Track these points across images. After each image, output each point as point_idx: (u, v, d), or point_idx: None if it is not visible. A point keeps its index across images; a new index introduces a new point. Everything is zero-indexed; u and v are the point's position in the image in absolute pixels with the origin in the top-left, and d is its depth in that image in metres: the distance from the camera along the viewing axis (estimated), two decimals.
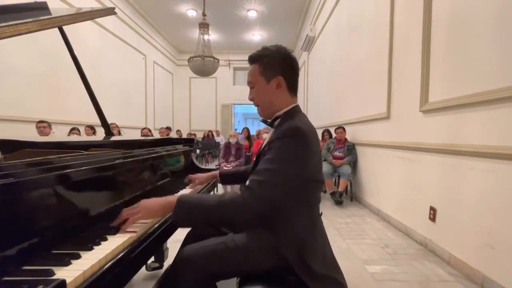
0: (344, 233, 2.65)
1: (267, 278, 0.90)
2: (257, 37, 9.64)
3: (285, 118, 0.95)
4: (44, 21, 1.19)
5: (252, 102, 1.02)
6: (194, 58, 6.36)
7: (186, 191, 1.31)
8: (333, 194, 3.82)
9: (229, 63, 11.28)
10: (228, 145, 4.68)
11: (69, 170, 0.74)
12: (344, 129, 4.08)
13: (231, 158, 4.57)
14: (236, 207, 0.83)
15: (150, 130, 6.35)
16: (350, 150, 3.97)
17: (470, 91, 1.82)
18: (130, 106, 7.39)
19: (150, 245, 0.79)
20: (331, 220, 3.05)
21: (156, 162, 1.32)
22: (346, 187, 4.00)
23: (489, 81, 1.67)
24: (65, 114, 4.79)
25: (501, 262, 1.58)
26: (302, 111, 1.01)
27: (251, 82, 0.99)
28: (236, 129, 11.42)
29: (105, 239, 0.71)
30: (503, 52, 1.59)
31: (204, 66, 6.39)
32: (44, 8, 1.47)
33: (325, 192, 4.35)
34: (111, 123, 3.62)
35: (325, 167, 3.94)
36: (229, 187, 3.97)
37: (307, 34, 6.90)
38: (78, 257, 0.61)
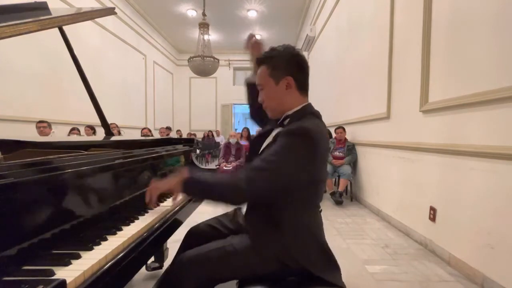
0: (344, 233, 2.65)
1: (266, 280, 0.90)
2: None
3: (295, 117, 0.93)
4: (44, 21, 1.19)
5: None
6: (194, 58, 6.36)
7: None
8: (333, 194, 3.83)
9: (229, 63, 11.27)
10: (228, 145, 4.69)
11: (69, 170, 0.74)
12: (344, 129, 4.08)
13: (231, 158, 4.58)
14: (229, 189, 0.84)
15: (150, 130, 6.35)
16: (350, 150, 3.97)
17: (470, 91, 1.82)
18: (130, 106, 7.39)
19: (150, 245, 0.80)
20: (331, 220, 3.05)
21: (156, 162, 1.32)
22: (346, 187, 4.00)
23: (489, 81, 1.67)
24: (65, 114, 4.79)
25: (501, 262, 1.58)
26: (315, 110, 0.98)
27: (260, 84, 0.97)
28: (236, 129, 11.40)
29: (105, 239, 0.71)
30: (503, 52, 1.59)
31: (204, 66, 6.39)
32: (44, 8, 1.47)
33: (325, 192, 4.34)
34: (111, 123, 3.62)
35: None
36: None
37: (307, 34, 6.90)
38: (78, 257, 0.61)
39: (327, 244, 0.94)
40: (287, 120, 0.94)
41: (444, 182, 2.09)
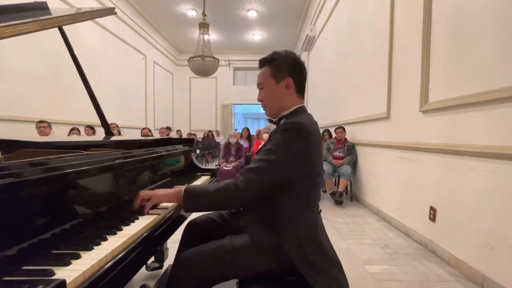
0: (344, 233, 2.65)
1: (266, 279, 0.90)
2: (257, 37, 9.64)
3: (290, 116, 0.98)
4: (44, 21, 1.19)
5: (255, 102, 1.06)
6: (194, 58, 6.36)
7: None
8: (333, 194, 3.83)
9: (229, 63, 11.27)
10: (228, 145, 4.68)
11: (69, 170, 0.74)
12: (344, 129, 4.08)
13: (231, 158, 4.58)
14: (229, 193, 0.87)
15: (150, 130, 6.35)
16: (350, 150, 3.97)
17: (470, 91, 1.82)
18: (130, 106, 7.39)
19: (150, 245, 0.80)
20: (331, 220, 3.05)
21: (156, 162, 1.32)
22: (346, 187, 4.00)
23: (489, 81, 1.67)
24: (65, 114, 4.79)
25: (501, 262, 1.58)
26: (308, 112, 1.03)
27: (261, 83, 1.03)
28: (236, 129, 11.40)
29: (105, 239, 0.70)
30: (503, 52, 1.59)
31: (204, 66, 6.39)
32: (44, 8, 1.47)
33: (325, 192, 4.35)
34: (111, 123, 3.62)
35: (325, 167, 3.94)
36: None
37: (307, 34, 6.90)
38: (78, 257, 0.61)
39: (326, 242, 0.95)
40: (283, 120, 1.00)
41: (444, 182, 2.09)
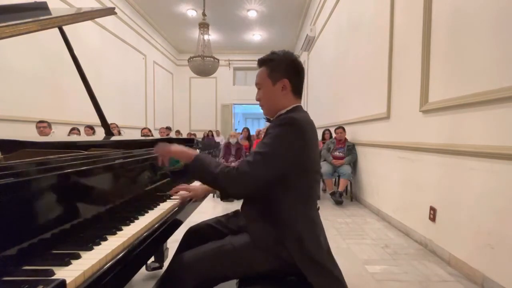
0: (344, 233, 2.65)
1: (266, 279, 0.90)
2: (257, 37, 9.64)
3: (286, 114, 0.99)
4: (44, 21, 1.19)
5: (255, 102, 1.09)
6: (194, 58, 6.36)
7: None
8: (333, 194, 3.82)
9: (229, 63, 11.27)
10: (228, 145, 4.69)
11: (69, 170, 0.74)
12: (344, 129, 4.08)
13: (231, 158, 4.58)
14: (228, 180, 0.88)
15: (150, 130, 6.35)
16: (350, 150, 3.97)
17: (470, 91, 1.82)
18: (130, 106, 7.39)
19: (150, 245, 0.79)
20: (331, 220, 3.05)
21: (156, 162, 1.32)
22: (346, 187, 4.00)
23: (489, 81, 1.67)
24: (65, 114, 4.79)
25: (501, 262, 1.58)
26: (304, 110, 1.05)
27: (258, 83, 1.05)
28: (236, 129, 11.40)
29: (105, 239, 0.70)
30: (503, 52, 1.59)
31: (204, 66, 6.39)
32: (44, 8, 1.47)
33: (324, 191, 4.35)
34: (111, 123, 3.62)
35: (325, 167, 3.94)
36: None
37: (307, 34, 6.90)
38: (78, 257, 0.61)
39: (324, 240, 0.95)
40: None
41: (444, 182, 2.09)
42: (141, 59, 8.13)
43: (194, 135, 9.37)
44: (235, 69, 11.67)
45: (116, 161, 0.97)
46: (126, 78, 7.11)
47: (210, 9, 6.90)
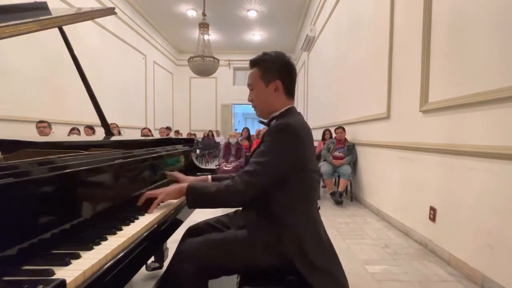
0: (344, 233, 2.65)
1: (267, 277, 0.90)
2: (257, 37, 9.64)
3: (280, 117, 1.01)
4: (44, 21, 1.19)
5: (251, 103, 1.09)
6: (194, 58, 6.36)
7: None
8: (333, 194, 3.82)
9: (229, 63, 11.28)
10: (228, 145, 4.68)
11: (69, 170, 0.74)
12: (343, 129, 4.08)
13: (231, 158, 4.57)
14: (229, 193, 0.90)
15: (150, 130, 6.35)
16: (350, 150, 3.97)
17: (470, 91, 1.82)
18: (130, 106, 7.39)
19: (150, 245, 0.79)
20: (331, 220, 3.05)
21: (156, 162, 1.32)
22: (346, 187, 4.00)
23: (489, 81, 1.67)
24: (65, 114, 4.79)
25: (501, 262, 1.58)
26: (300, 111, 1.08)
27: (250, 84, 1.05)
28: (236, 129, 11.41)
29: (105, 239, 0.70)
30: (503, 52, 1.59)
31: (204, 66, 6.39)
32: (44, 8, 1.47)
33: (324, 187, 4.35)
34: (111, 123, 3.62)
35: (325, 167, 3.94)
36: None
37: (307, 34, 6.90)
38: (78, 257, 0.61)
39: (326, 238, 0.96)
40: (273, 122, 1.02)
41: (444, 182, 2.09)
42: (141, 59, 8.13)
43: (194, 135, 9.38)
44: (235, 69, 11.67)
45: (116, 161, 0.97)
46: (126, 78, 7.11)
47: (210, 9, 6.90)
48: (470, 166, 1.82)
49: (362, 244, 2.39)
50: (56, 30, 1.51)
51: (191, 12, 7.77)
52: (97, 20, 5.71)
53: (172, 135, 8.62)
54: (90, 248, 0.65)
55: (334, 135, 4.23)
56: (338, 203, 3.72)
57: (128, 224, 0.82)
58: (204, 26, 6.17)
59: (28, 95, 4.10)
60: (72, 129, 4.44)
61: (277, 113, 1.02)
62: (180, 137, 6.00)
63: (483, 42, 1.73)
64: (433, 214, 2.19)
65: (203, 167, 1.83)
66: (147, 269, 1.78)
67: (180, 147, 1.73)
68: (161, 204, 1.00)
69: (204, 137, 9.60)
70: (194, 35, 8.57)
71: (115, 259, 0.63)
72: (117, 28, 6.62)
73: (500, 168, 1.60)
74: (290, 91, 1.04)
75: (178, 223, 1.10)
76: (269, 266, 0.91)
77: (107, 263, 0.61)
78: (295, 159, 0.91)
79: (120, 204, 0.97)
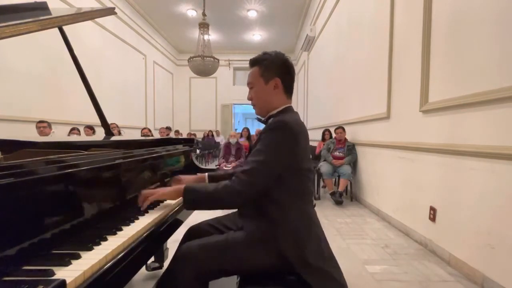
0: (344, 233, 2.65)
1: (267, 278, 0.90)
2: (257, 37, 9.64)
3: (277, 116, 1.02)
4: (44, 21, 1.19)
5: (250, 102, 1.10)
6: (194, 58, 6.36)
7: None
8: (333, 194, 3.82)
9: (229, 63, 11.27)
10: (228, 145, 4.68)
11: (69, 170, 0.74)
12: (343, 129, 4.08)
13: (231, 158, 4.58)
14: (227, 193, 0.90)
15: (150, 130, 6.35)
16: (350, 150, 3.97)
17: (470, 91, 1.81)
18: (130, 106, 7.39)
19: (150, 245, 0.80)
20: (331, 220, 3.05)
21: (156, 162, 1.32)
22: (346, 187, 4.00)
23: (489, 81, 1.67)
24: (65, 114, 4.79)
25: (501, 262, 1.58)
26: (300, 111, 1.07)
27: (250, 83, 1.07)
28: (236, 129, 11.41)
29: (105, 239, 0.70)
30: (503, 52, 1.59)
31: (204, 66, 6.39)
32: (44, 8, 1.47)
33: (324, 187, 4.35)
34: (111, 123, 3.62)
35: (325, 167, 3.94)
36: None
37: (307, 34, 6.90)
38: (78, 257, 0.61)
39: (324, 237, 0.97)
40: (271, 119, 1.02)
41: (444, 182, 2.09)
42: (141, 59, 8.13)
43: (194, 135, 9.38)
44: (235, 69, 11.67)
45: (116, 161, 0.97)
46: (126, 78, 7.11)
47: (210, 9, 6.90)
48: (470, 166, 1.82)
49: (362, 244, 2.39)
50: (56, 30, 1.51)
51: (191, 12, 7.77)
52: (97, 20, 5.71)
53: (172, 135, 8.63)
54: (90, 248, 0.65)
55: (334, 135, 4.23)
56: (338, 203, 3.72)
57: (128, 224, 0.82)
58: (204, 26, 6.17)
59: (28, 95, 4.10)
60: (72, 129, 4.44)
61: (274, 112, 1.04)
62: (180, 137, 6.01)
63: (483, 42, 1.73)
64: (433, 214, 2.19)
65: (203, 167, 1.83)
66: (147, 269, 1.78)
67: (180, 147, 1.73)
68: (160, 204, 1.00)
69: (204, 137, 9.60)
70: (194, 35, 8.57)
71: (115, 259, 0.63)
72: (117, 28, 6.62)
73: (500, 168, 1.60)
74: (289, 90, 1.06)
75: (178, 223, 1.10)
76: (268, 266, 0.91)
77: (107, 263, 0.61)
78: (291, 156, 0.92)
79: (120, 204, 0.97)
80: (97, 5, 5.66)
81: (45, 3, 1.49)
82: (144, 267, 1.75)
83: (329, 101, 5.63)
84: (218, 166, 4.45)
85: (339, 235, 2.61)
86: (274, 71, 1.02)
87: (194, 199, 0.94)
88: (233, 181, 0.90)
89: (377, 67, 3.23)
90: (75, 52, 1.70)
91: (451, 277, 1.82)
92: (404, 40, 2.70)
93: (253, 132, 6.18)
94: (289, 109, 1.04)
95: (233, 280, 1.01)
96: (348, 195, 4.10)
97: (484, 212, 1.71)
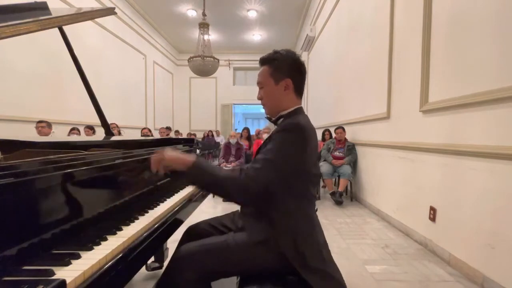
0: (344, 233, 2.65)
1: (267, 278, 0.90)
2: (257, 37, 9.63)
3: (288, 117, 1.00)
4: (44, 21, 1.19)
5: (255, 102, 1.08)
6: (194, 58, 6.36)
7: (186, 190, 1.31)
8: (333, 194, 3.82)
9: (229, 63, 11.27)
10: (228, 145, 4.68)
11: (69, 170, 0.74)
12: (343, 129, 4.08)
13: (231, 158, 4.58)
14: (234, 185, 0.87)
15: (150, 130, 6.35)
16: (350, 150, 3.97)
17: (470, 91, 1.82)
18: (130, 106, 7.39)
19: (150, 245, 0.80)
20: (331, 220, 3.05)
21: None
22: (346, 187, 4.00)
23: (489, 81, 1.67)
24: (65, 114, 4.79)
25: (501, 262, 1.58)
26: (305, 113, 1.05)
27: (260, 82, 1.04)
28: (236, 129, 11.40)
29: (105, 239, 0.71)
30: (503, 52, 1.59)
31: (204, 66, 6.39)
32: (44, 8, 1.47)
33: (324, 187, 4.34)
34: (111, 123, 3.62)
35: (325, 167, 3.94)
36: None
37: (307, 34, 6.90)
38: (78, 257, 0.61)
39: (324, 238, 0.96)
40: (281, 120, 1.01)
41: (444, 182, 2.09)
42: (141, 59, 8.13)
43: (194, 135, 9.38)
44: (235, 69, 11.66)
45: (116, 161, 0.97)
46: (126, 78, 7.11)
47: (210, 9, 6.90)
48: (470, 166, 1.82)
49: (362, 244, 2.39)
50: (56, 30, 1.52)
51: (191, 12, 7.76)
52: (97, 20, 5.71)
53: (172, 135, 8.63)
54: (90, 248, 0.65)
55: (334, 135, 4.23)
56: (338, 203, 3.72)
57: (128, 224, 0.82)
58: (204, 26, 6.17)
59: (28, 95, 4.10)
60: (72, 129, 4.44)
61: (285, 112, 1.01)
62: (180, 137, 6.01)
63: (483, 42, 1.73)
64: (433, 214, 2.19)
65: None
66: (147, 269, 1.78)
67: (180, 147, 1.73)
68: (160, 204, 0.99)
69: (204, 137, 9.60)
70: (194, 35, 8.57)
71: (115, 259, 0.63)
72: (117, 28, 6.62)
73: (500, 168, 1.60)
74: (299, 90, 1.03)
75: (178, 223, 1.10)
76: (268, 267, 0.91)
77: (107, 263, 0.61)
78: (301, 160, 0.91)
79: (120, 204, 0.97)
80: (97, 5, 5.66)
81: (45, 3, 1.49)
82: (144, 267, 1.75)
83: (329, 101, 5.63)
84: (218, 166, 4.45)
85: (339, 235, 2.61)
86: (284, 72, 0.99)
87: (198, 179, 0.90)
88: (242, 175, 0.87)
89: (377, 67, 3.23)
90: (75, 52, 1.70)
91: (451, 277, 1.82)
92: (404, 40, 2.70)
93: (253, 132, 6.18)
94: (300, 111, 1.02)
95: (233, 280, 1.01)
96: (348, 195, 4.10)
97: (484, 212, 1.71)
